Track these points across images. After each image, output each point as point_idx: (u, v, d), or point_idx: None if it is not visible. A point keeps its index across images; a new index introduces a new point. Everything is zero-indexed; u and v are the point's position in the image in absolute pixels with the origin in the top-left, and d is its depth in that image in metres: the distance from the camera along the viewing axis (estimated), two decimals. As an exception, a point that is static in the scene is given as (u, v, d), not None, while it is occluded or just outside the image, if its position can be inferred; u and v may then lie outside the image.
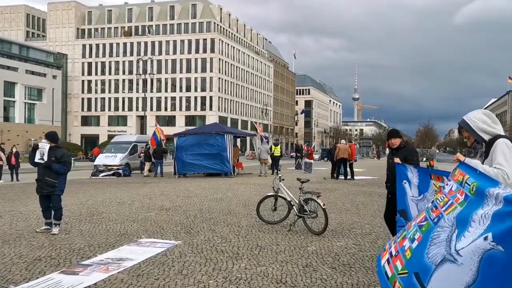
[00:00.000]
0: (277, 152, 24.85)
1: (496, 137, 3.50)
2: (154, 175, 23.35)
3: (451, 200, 3.12)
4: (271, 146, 25.08)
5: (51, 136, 7.58)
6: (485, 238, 2.44)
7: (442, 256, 2.73)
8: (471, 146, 3.87)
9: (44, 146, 7.35)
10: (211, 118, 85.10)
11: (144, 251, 6.38)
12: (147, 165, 24.28)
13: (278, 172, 9.39)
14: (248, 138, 33.90)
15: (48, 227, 7.63)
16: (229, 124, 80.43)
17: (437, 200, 3.35)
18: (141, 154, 25.88)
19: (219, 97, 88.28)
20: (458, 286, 2.52)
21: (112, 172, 24.11)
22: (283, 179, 9.06)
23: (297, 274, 5.52)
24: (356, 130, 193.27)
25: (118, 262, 5.74)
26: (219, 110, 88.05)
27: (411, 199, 5.06)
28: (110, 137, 78.01)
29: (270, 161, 24.15)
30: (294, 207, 8.44)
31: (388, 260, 3.43)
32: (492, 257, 2.38)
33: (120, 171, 24.35)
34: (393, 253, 3.41)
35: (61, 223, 7.84)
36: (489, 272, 2.38)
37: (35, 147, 7.51)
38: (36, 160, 7.39)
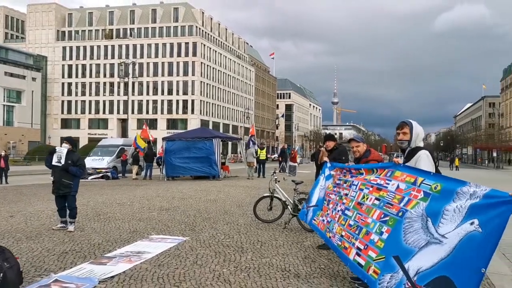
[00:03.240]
0: (262, 156, 25.65)
1: (419, 148, 4.45)
2: (143, 178, 23.84)
3: (406, 197, 3.88)
4: (256, 150, 25.84)
5: (71, 140, 8.20)
6: (472, 223, 3.14)
7: (425, 241, 3.44)
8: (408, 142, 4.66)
9: (62, 150, 7.95)
10: (193, 121, 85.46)
11: (158, 246, 7.04)
12: (135, 169, 24.73)
13: (274, 174, 10.10)
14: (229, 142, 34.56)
15: (64, 225, 8.23)
16: (210, 128, 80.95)
17: (386, 198, 4.14)
18: (125, 158, 26.32)
19: (201, 100, 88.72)
20: (434, 259, 3.26)
21: (100, 175, 24.49)
22: (278, 181, 9.78)
23: (298, 264, 6.25)
24: (335, 134, 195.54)
25: (138, 255, 6.40)
26: (201, 113, 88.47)
27: (319, 187, 6.57)
28: (91, 140, 77.83)
29: (255, 164, 24.92)
30: (288, 206, 9.17)
31: (357, 254, 4.19)
32: (471, 237, 3.10)
33: (109, 174, 24.75)
34: (361, 248, 4.16)
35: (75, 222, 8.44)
36: (464, 248, 3.12)
37: (52, 151, 8.09)
38: (54, 163, 7.98)
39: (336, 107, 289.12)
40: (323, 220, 5.79)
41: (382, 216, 4.07)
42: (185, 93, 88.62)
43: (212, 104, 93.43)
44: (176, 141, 23.58)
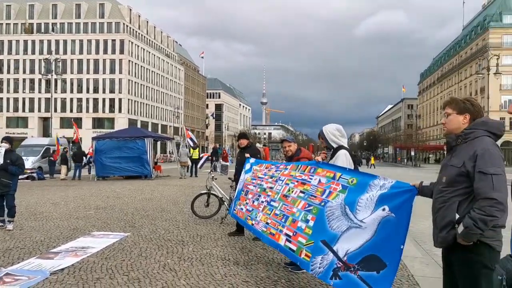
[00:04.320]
0: (195, 155, 25.96)
1: (340, 147, 5.06)
2: (72, 178, 23.30)
3: (327, 190, 4.47)
4: (189, 149, 26.12)
5: (10, 140, 8.16)
6: (383, 209, 3.79)
7: (347, 226, 4.08)
8: (326, 147, 5.36)
9: (0, 149, 7.92)
10: (120, 120, 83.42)
11: (101, 241, 7.29)
12: (64, 169, 24.08)
13: (211, 173, 10.56)
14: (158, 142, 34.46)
15: (1, 224, 8.18)
16: (139, 127, 79.44)
17: (309, 191, 4.71)
18: (56, 158, 25.50)
19: (128, 99, 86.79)
20: (360, 241, 3.90)
21: (26, 175, 23.58)
22: (215, 179, 10.26)
23: (236, 253, 6.80)
24: (264, 133, 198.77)
25: (83, 250, 6.64)
26: (129, 112, 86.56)
27: (240, 181, 7.22)
28: (10, 139, 73.39)
29: (189, 163, 25.20)
30: (225, 203, 9.69)
31: (288, 240, 4.66)
32: (387, 221, 3.76)
33: (35, 174, 23.89)
34: (290, 234, 4.65)
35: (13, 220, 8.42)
36: (383, 230, 3.78)
37: None
38: None
39: (265, 107, 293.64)
40: (242, 209, 6.30)
41: (307, 206, 4.63)
42: (111, 91, 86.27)
43: (140, 103, 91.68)
44: (106, 140, 23.29)
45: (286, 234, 4.67)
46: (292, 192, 5.05)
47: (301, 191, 4.88)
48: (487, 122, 2.96)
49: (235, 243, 7.56)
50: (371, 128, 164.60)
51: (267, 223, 5.20)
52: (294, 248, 4.44)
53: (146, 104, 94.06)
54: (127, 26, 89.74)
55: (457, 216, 2.84)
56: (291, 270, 5.88)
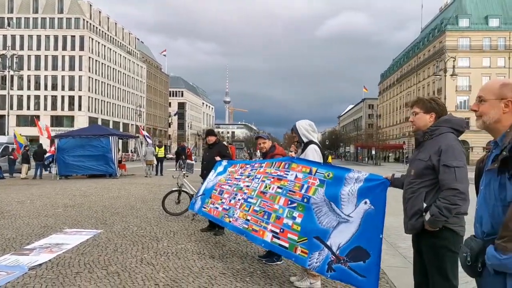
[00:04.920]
0: (160, 153, 25.85)
1: (310, 142, 5.33)
2: (33, 177, 22.72)
3: (305, 185, 4.70)
4: (154, 148, 25.96)
5: None
6: (365, 203, 4.06)
7: (337, 221, 4.32)
8: (298, 141, 5.62)
9: None
10: (80, 118, 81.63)
11: (74, 238, 7.29)
12: (24, 168, 23.44)
13: (182, 169, 10.64)
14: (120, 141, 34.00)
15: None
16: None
17: (287, 186, 4.91)
18: (16, 157, 24.75)
19: (89, 97, 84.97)
20: (348, 235, 4.14)
21: (-17, 175, 22.81)
22: (187, 176, 10.36)
23: (211, 248, 6.96)
24: (228, 132, 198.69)
25: (57, 246, 6.63)
26: (89, 110, 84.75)
27: (207, 179, 7.48)
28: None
29: (155, 162, 25.05)
30: (196, 199, 9.81)
31: (275, 237, 4.80)
32: (368, 214, 4.02)
33: (-6, 173, 23.13)
34: (277, 231, 4.80)
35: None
36: (365, 223, 4.04)
37: None
38: None
39: (228, 106, 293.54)
40: (217, 208, 6.40)
41: (289, 202, 4.81)
42: (71, 88, 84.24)
43: (101, 100, 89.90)
44: (69, 138, 22.86)
45: (272, 231, 4.80)
46: (270, 188, 5.22)
47: (278, 187, 5.06)
48: (451, 119, 3.27)
49: (209, 238, 7.72)
50: (333, 127, 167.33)
51: (247, 219, 5.33)
52: (286, 245, 4.57)
53: (107, 102, 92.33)
54: (87, 22, 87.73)
55: (425, 205, 3.14)
56: (266, 262, 6.10)
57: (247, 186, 5.84)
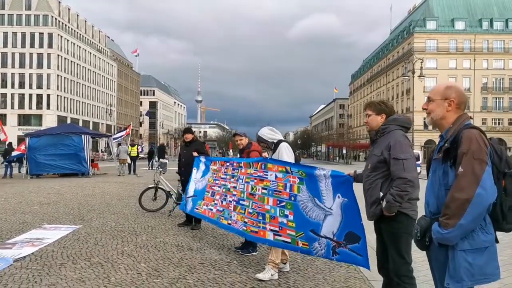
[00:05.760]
0: (133, 153, 25.83)
1: (279, 141, 5.73)
2: (2, 177, 22.39)
3: (288, 183, 5.06)
4: (128, 147, 25.92)
5: None
6: (339, 197, 4.47)
7: (323, 215, 4.69)
8: (267, 147, 6.01)
9: None
10: (49, 117, 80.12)
11: (54, 233, 7.44)
12: (-6, 166, 23.07)
13: (159, 167, 10.84)
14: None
15: None
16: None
17: (271, 186, 5.23)
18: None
19: (58, 95, 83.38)
20: (337, 224, 4.51)
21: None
22: (163, 173, 10.57)
23: (189, 241, 7.24)
24: (200, 132, 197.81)
25: (38, 240, 6.80)
26: (58, 109, 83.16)
27: (193, 179, 7.61)
28: None
29: (129, 161, 25.04)
30: (173, 196, 10.05)
31: (276, 234, 5.11)
32: (345, 205, 4.41)
33: (-38, 173, 22.69)
34: (276, 230, 5.12)
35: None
36: (345, 213, 4.42)
37: None
38: None
39: (200, 105, 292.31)
40: (211, 209, 6.66)
41: (278, 202, 5.15)
42: (39, 87, 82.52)
43: (71, 99, 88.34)
44: (41, 137, 22.60)
45: (272, 230, 5.12)
46: (256, 189, 5.52)
47: (263, 188, 5.37)
48: (397, 118, 3.78)
49: (186, 232, 7.99)
50: (305, 127, 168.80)
51: (245, 222, 5.61)
52: (289, 240, 4.94)
53: (77, 100, 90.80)
54: (55, 19, 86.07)
55: (381, 194, 3.59)
56: (242, 253, 6.42)
57: (234, 187, 6.09)
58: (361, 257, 4.18)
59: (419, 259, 5.60)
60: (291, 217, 4.91)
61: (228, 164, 6.56)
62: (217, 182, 6.79)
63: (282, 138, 5.80)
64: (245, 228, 5.57)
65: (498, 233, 2.58)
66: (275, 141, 5.71)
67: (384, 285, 3.88)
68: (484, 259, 2.48)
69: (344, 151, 77.33)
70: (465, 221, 2.40)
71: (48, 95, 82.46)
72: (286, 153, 5.51)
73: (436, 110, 2.78)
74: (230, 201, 6.12)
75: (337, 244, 4.38)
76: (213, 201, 6.68)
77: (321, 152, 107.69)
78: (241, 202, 5.83)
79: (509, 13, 76.39)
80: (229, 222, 6.00)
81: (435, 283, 2.82)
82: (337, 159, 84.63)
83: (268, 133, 5.76)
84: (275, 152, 5.62)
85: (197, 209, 7.12)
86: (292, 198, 4.91)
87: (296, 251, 5.11)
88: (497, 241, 2.56)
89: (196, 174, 7.61)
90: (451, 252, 2.53)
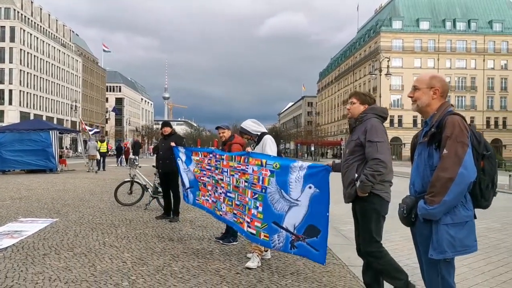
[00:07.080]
0: (103, 148, 25.49)
1: (263, 134, 5.91)
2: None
3: (260, 176, 5.24)
4: (97, 142, 25.57)
5: None
6: (310, 187, 4.63)
7: (288, 206, 4.86)
8: (251, 139, 6.17)
9: None
10: (11, 113, 77.82)
11: (32, 226, 7.38)
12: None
13: (135, 161, 10.81)
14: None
15: None
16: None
17: (250, 179, 5.38)
18: None
19: (20, 90, 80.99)
20: (300, 216, 4.68)
21: None
22: (140, 167, 10.57)
23: (169, 232, 7.33)
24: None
25: (18, 232, 6.74)
26: (20, 105, 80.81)
27: (183, 170, 7.57)
28: None
29: (98, 157, 24.71)
30: (149, 190, 10.06)
31: (248, 226, 5.34)
32: (314, 196, 4.58)
33: None
34: (248, 221, 5.35)
35: None
36: (313, 204, 4.59)
37: None
38: None
39: (168, 102, 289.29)
40: (207, 200, 6.73)
41: (253, 194, 5.33)
42: (0, 82, 79.92)
43: (34, 95, 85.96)
44: (6, 133, 22.05)
45: (247, 222, 5.32)
46: (240, 182, 5.67)
47: (245, 181, 5.53)
48: (375, 107, 4.04)
49: (165, 224, 8.06)
50: (274, 124, 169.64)
51: (234, 213, 5.76)
52: (254, 232, 5.12)
53: (40, 96, 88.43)
54: (18, 12, 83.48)
55: (356, 175, 3.82)
56: (223, 243, 6.56)
57: (221, 179, 6.18)
58: (317, 252, 4.29)
59: (399, 245, 5.87)
60: (260, 209, 5.08)
61: (211, 155, 6.66)
62: (204, 173, 6.85)
63: (266, 131, 5.96)
64: (235, 220, 5.73)
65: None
66: (258, 133, 5.86)
67: (364, 268, 4.09)
68: (465, 232, 2.73)
69: (313, 148, 78.26)
70: (448, 197, 2.64)
71: (10, 90, 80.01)
72: (269, 145, 5.67)
73: (422, 98, 3.01)
74: (220, 193, 6.25)
75: (296, 238, 4.52)
76: (207, 191, 6.76)
77: (289, 149, 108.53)
78: (228, 194, 5.97)
79: (471, 14, 79.01)
80: (221, 213, 6.14)
81: (418, 259, 3.05)
82: (306, 156, 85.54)
83: (252, 125, 5.91)
84: (259, 144, 5.76)
85: (197, 200, 7.14)
86: (263, 190, 5.05)
87: (257, 243, 5.27)
88: (475, 217, 2.80)
89: (182, 165, 7.59)
90: (435, 226, 2.76)
